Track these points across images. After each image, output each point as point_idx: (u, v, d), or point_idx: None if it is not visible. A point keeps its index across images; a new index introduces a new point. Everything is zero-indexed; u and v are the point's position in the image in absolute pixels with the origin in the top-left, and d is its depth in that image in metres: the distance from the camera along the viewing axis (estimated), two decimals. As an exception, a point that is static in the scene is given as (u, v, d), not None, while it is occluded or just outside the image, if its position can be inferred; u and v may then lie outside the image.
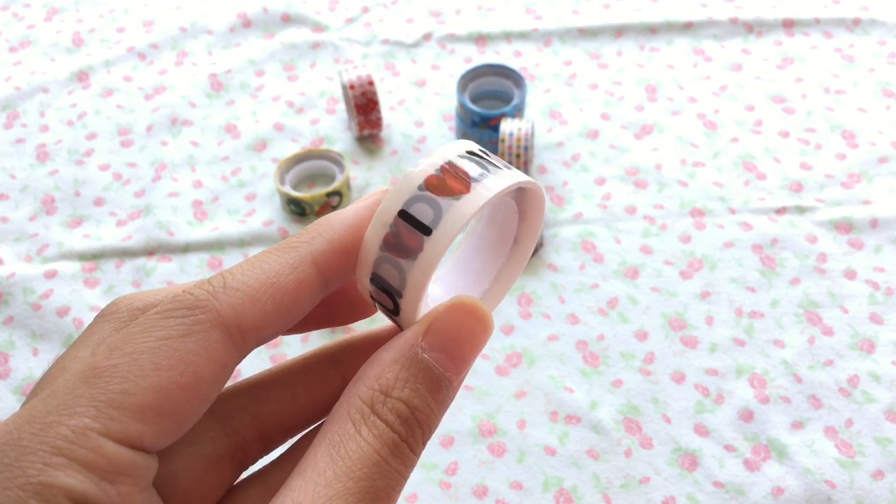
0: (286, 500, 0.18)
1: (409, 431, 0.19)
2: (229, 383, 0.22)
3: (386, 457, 0.19)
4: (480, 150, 0.21)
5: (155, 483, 0.20)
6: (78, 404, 0.17)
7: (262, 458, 0.23)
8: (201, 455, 0.21)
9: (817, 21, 0.85)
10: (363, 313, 0.24)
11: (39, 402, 0.18)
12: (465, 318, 0.20)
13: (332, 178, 0.73)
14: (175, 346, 0.18)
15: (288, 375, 0.23)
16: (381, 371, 0.20)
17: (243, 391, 0.23)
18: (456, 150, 0.21)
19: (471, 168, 0.20)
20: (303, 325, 0.23)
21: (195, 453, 0.21)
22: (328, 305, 0.23)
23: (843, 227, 0.69)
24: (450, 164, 0.20)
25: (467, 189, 0.19)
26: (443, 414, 0.20)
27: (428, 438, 0.20)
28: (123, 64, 0.84)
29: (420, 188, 0.20)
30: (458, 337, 0.20)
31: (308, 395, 0.23)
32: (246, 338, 0.19)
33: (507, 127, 0.69)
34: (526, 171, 0.69)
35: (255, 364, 0.62)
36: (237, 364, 0.20)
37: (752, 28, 0.85)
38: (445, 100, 0.80)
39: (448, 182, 0.20)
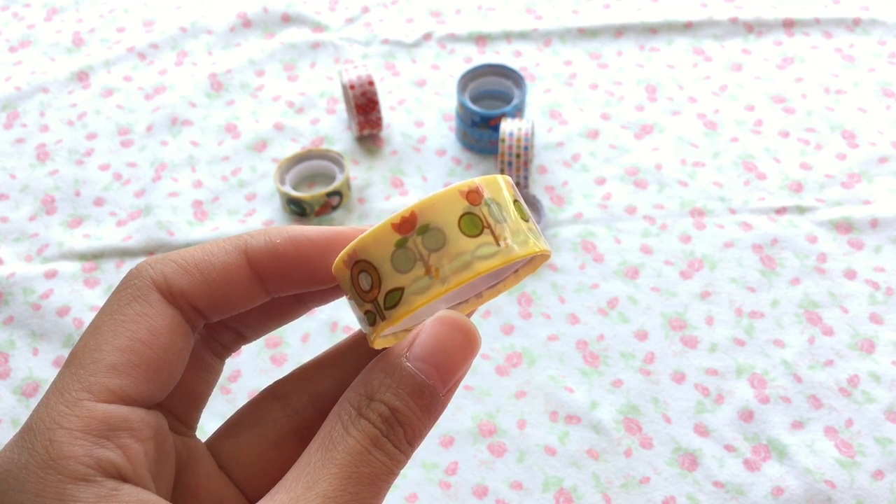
0: (280, 490, 0.20)
1: (391, 429, 0.21)
2: (291, 367, 0.25)
3: (368, 448, 0.20)
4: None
5: (221, 462, 0.24)
6: (66, 385, 0.21)
7: None
8: (263, 435, 0.24)
9: (817, 21, 0.85)
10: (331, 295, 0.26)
11: (43, 398, 0.21)
12: (450, 331, 0.21)
13: (332, 178, 0.73)
14: (125, 311, 0.22)
15: (338, 356, 0.25)
16: (368, 378, 0.21)
17: (300, 374, 0.25)
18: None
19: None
20: (274, 315, 0.25)
21: (257, 434, 0.24)
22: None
23: (843, 227, 0.69)
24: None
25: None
26: (429, 420, 0.21)
27: (415, 440, 0.21)
28: (123, 64, 0.84)
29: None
30: (443, 349, 0.21)
31: (357, 372, 0.24)
32: (178, 300, 0.22)
33: (507, 127, 0.69)
34: (526, 170, 0.69)
35: (255, 364, 0.62)
36: (184, 322, 0.22)
37: (752, 28, 0.85)
38: (445, 100, 0.80)
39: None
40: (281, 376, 0.25)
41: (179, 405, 0.24)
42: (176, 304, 0.22)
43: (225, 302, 0.23)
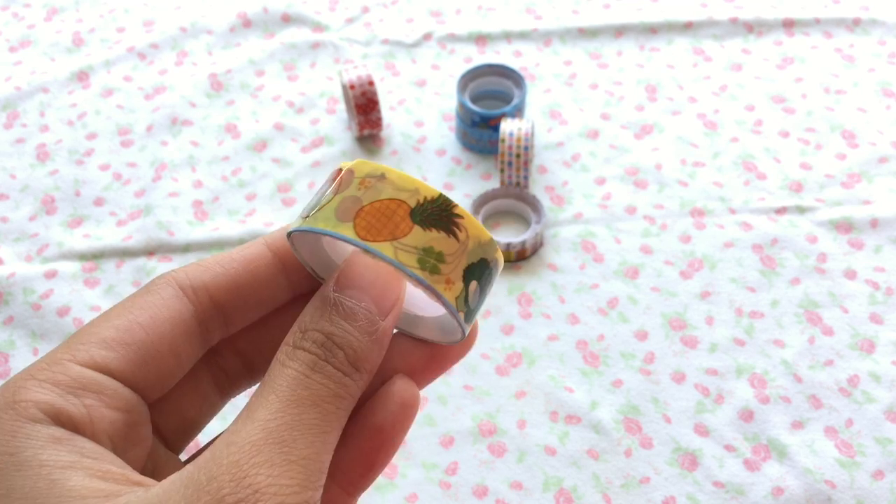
0: (225, 435, 0.20)
1: (328, 352, 0.20)
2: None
3: (305, 373, 0.20)
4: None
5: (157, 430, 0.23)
6: (54, 352, 0.21)
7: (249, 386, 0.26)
8: (184, 384, 0.24)
9: (817, 21, 0.85)
10: None
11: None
12: (364, 257, 0.21)
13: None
14: (134, 299, 0.22)
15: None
16: (300, 319, 0.21)
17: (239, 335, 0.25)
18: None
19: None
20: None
21: (179, 387, 0.24)
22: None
23: (843, 227, 0.69)
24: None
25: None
26: (373, 345, 0.21)
27: (360, 363, 0.21)
28: (123, 64, 0.84)
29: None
30: (363, 269, 0.21)
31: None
32: (198, 293, 0.23)
33: (507, 127, 0.69)
34: (526, 170, 0.69)
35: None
36: (192, 320, 0.23)
37: (752, 28, 0.85)
38: (445, 100, 0.80)
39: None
40: None
41: (168, 421, 0.24)
42: (194, 301, 0.23)
43: (249, 294, 0.23)
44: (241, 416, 0.20)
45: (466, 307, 0.22)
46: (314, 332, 0.21)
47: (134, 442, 0.21)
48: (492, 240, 0.22)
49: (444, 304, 0.21)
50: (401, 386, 0.23)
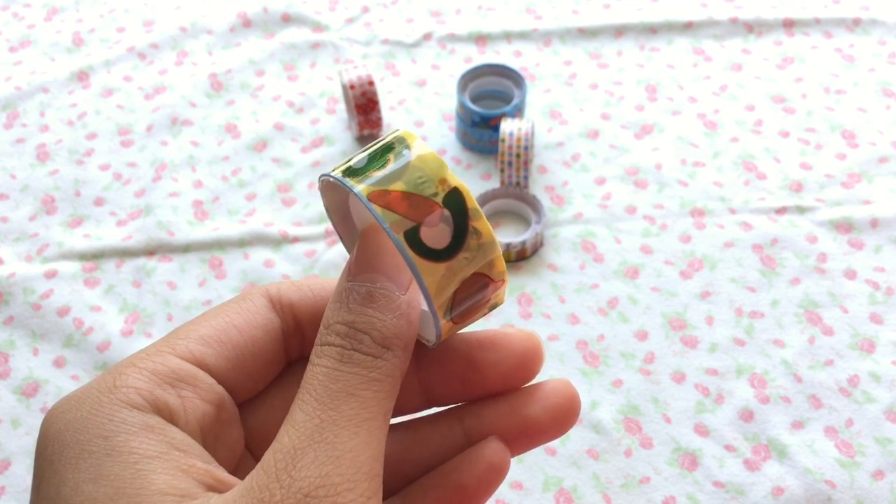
0: (272, 443, 0.20)
1: (354, 341, 0.20)
2: None
3: (334, 366, 0.20)
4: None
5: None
6: (155, 345, 0.22)
7: None
8: (272, 392, 0.24)
9: (817, 21, 0.85)
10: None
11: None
12: (375, 234, 0.21)
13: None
14: (230, 305, 0.23)
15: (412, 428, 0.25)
16: (323, 316, 0.21)
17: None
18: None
19: None
20: None
21: (268, 395, 0.24)
22: None
23: (843, 226, 0.69)
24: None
25: None
26: (399, 319, 0.21)
27: (388, 341, 0.20)
28: (123, 64, 0.84)
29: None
30: (377, 251, 0.21)
31: (429, 450, 0.24)
32: (284, 308, 0.23)
33: (507, 127, 0.69)
34: (526, 170, 0.69)
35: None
36: (280, 330, 0.23)
37: (752, 28, 0.85)
38: (445, 100, 0.80)
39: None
40: None
41: (256, 430, 0.24)
42: (280, 314, 0.23)
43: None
44: (284, 423, 0.20)
45: (447, 308, 0.22)
46: (336, 325, 0.21)
47: (225, 440, 0.22)
48: (504, 274, 0.22)
49: (423, 289, 0.21)
50: (494, 448, 0.22)
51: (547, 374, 0.60)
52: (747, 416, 0.58)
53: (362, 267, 0.21)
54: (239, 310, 0.23)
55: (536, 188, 0.72)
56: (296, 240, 0.69)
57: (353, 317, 0.20)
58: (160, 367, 0.21)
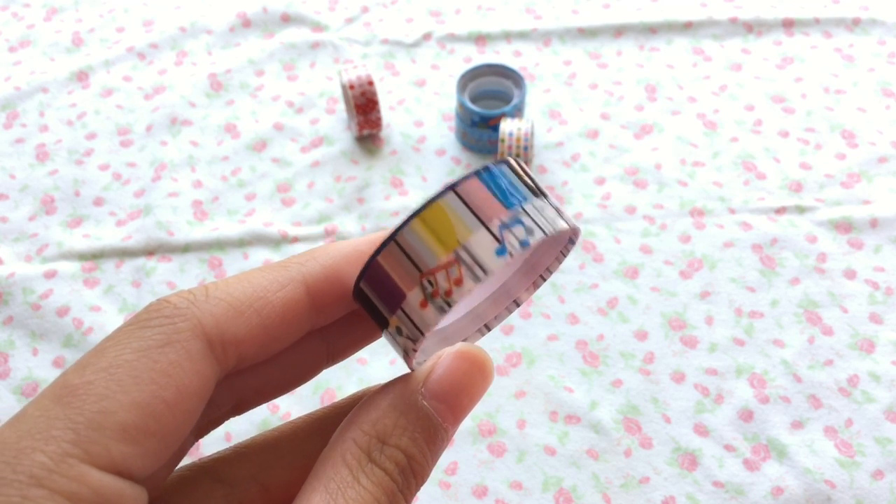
0: None
1: (406, 482, 0.18)
2: (236, 442, 0.21)
3: (380, 500, 0.18)
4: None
5: None
6: (53, 427, 0.16)
7: None
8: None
9: (817, 21, 0.85)
10: (362, 340, 0.23)
11: (7, 428, 0.16)
12: (469, 368, 0.19)
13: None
14: (154, 357, 0.17)
15: (300, 437, 0.21)
16: (378, 416, 0.19)
17: (252, 455, 0.21)
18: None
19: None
20: (300, 371, 0.22)
21: None
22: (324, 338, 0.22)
23: (843, 226, 0.69)
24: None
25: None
26: (434, 464, 0.19)
27: (420, 489, 0.19)
28: (123, 64, 0.84)
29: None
30: (460, 386, 0.19)
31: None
32: (227, 351, 0.18)
33: (507, 127, 0.69)
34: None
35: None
36: (216, 381, 0.18)
37: (751, 28, 0.85)
38: (445, 100, 0.80)
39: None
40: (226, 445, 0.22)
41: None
42: (221, 360, 0.18)
43: (275, 346, 0.19)
44: None
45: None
46: (395, 451, 0.18)
47: None
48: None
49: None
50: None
51: (547, 374, 0.60)
52: (747, 415, 0.58)
53: (442, 392, 0.19)
54: (168, 368, 0.17)
55: (536, 188, 0.72)
56: (295, 240, 0.69)
57: (416, 451, 0.18)
58: (79, 490, 0.15)
